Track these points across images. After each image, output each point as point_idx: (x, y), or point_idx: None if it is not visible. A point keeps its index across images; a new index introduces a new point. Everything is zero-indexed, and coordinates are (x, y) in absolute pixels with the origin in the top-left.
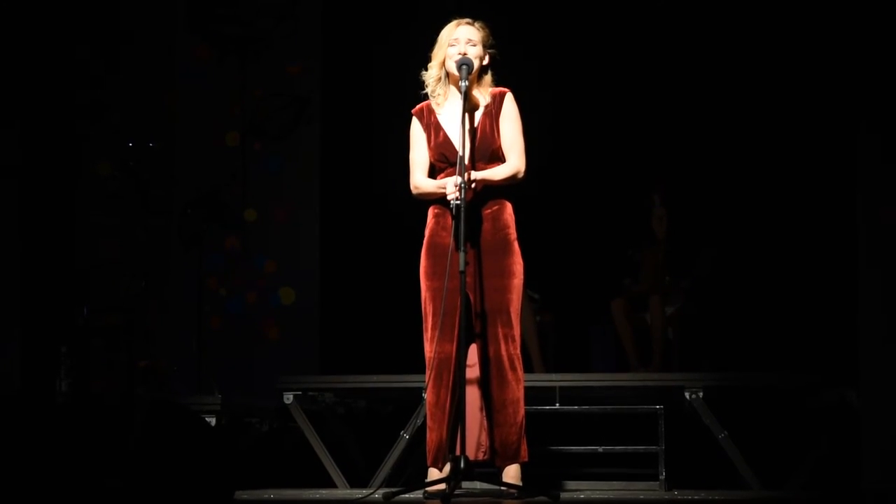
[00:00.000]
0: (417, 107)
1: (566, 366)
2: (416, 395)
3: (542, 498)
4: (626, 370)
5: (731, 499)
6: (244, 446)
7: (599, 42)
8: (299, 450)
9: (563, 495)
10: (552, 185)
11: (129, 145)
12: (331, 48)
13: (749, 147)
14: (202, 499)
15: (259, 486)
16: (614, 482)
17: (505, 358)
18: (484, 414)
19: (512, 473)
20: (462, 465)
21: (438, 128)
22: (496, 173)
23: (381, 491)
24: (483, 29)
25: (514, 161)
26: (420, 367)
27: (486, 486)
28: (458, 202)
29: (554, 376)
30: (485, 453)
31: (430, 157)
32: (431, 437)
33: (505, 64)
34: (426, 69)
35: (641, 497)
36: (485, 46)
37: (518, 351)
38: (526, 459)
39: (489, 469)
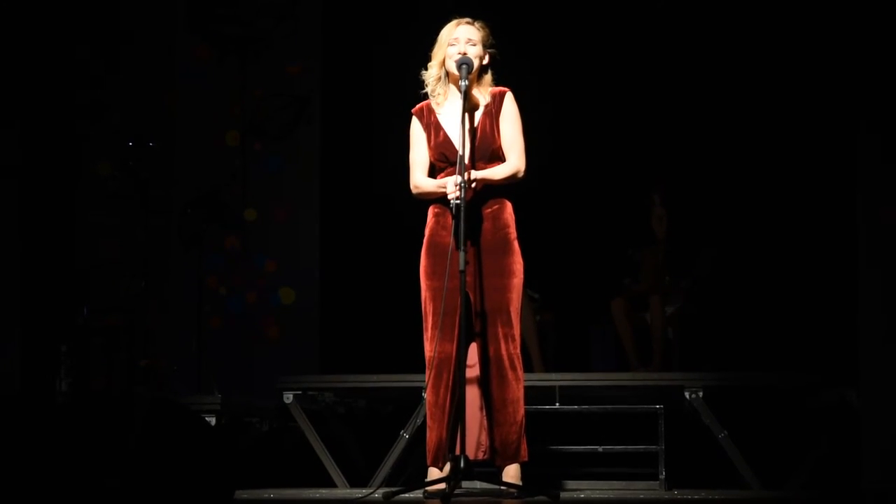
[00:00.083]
0: (417, 106)
1: (566, 365)
2: (416, 394)
3: (542, 497)
4: (626, 370)
5: (731, 499)
6: (244, 446)
7: (600, 42)
8: (299, 450)
9: (563, 495)
10: (552, 185)
11: (129, 145)
12: (331, 48)
13: (749, 147)
14: (202, 499)
15: (259, 486)
16: (614, 482)
17: (505, 357)
18: (484, 413)
19: (512, 473)
20: (462, 464)
21: (438, 127)
22: (496, 173)
23: (381, 491)
24: (483, 29)
25: (514, 160)
26: (420, 367)
27: (486, 485)
28: (459, 201)
29: (554, 376)
30: (485, 453)
31: (430, 157)
32: (431, 437)
33: (505, 64)
34: (426, 69)
35: (641, 497)
36: (485, 46)
37: (518, 350)
38: (526, 459)
39: (489, 468)
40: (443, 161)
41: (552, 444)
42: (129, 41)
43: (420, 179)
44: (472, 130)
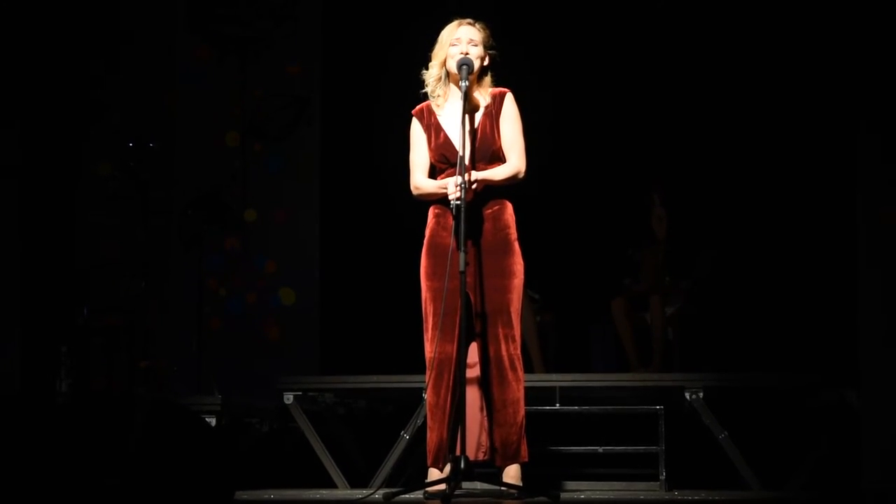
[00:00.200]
0: (417, 107)
1: (566, 366)
2: (416, 395)
3: (542, 498)
4: (626, 370)
5: (731, 499)
6: (244, 446)
7: (600, 43)
8: (299, 450)
9: (563, 495)
10: (552, 185)
11: (129, 145)
12: (331, 48)
13: (749, 147)
14: (202, 499)
15: (259, 486)
16: (614, 482)
17: (505, 358)
18: (484, 414)
19: (512, 473)
20: (462, 465)
21: (439, 129)
22: (496, 173)
23: (381, 491)
24: (484, 30)
25: (514, 161)
26: (420, 367)
27: (486, 486)
28: (459, 202)
29: (554, 376)
30: (485, 453)
31: (430, 158)
32: (432, 437)
33: (505, 64)
34: (427, 69)
35: (641, 497)
36: (485, 47)
37: (518, 351)
38: (526, 459)
39: (489, 469)
40: (443, 162)
41: (552, 445)
42: (129, 41)
43: (420, 180)
44: (473, 131)
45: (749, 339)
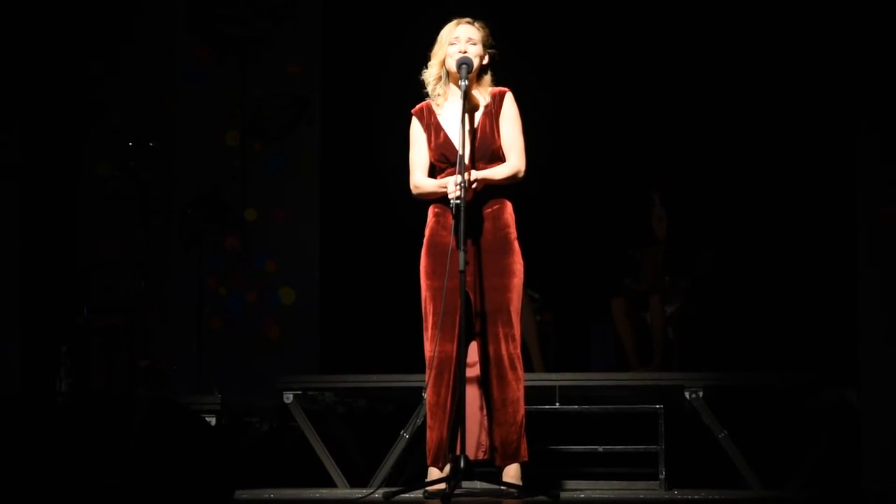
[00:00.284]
0: (417, 107)
1: (566, 365)
2: (416, 394)
3: (542, 497)
4: (626, 370)
5: (731, 498)
6: (244, 446)
7: (600, 42)
8: (299, 449)
9: (563, 495)
10: (552, 185)
11: (129, 145)
12: (331, 48)
13: (749, 147)
14: (202, 499)
15: (259, 486)
16: (614, 482)
17: (505, 357)
18: (484, 413)
19: (512, 473)
20: (462, 464)
21: (439, 128)
22: (496, 173)
23: (381, 490)
24: (483, 29)
25: (514, 161)
26: (420, 367)
27: (486, 485)
28: (459, 201)
29: (554, 376)
30: (485, 453)
31: (430, 158)
32: (431, 437)
33: (505, 64)
34: (426, 68)
35: (641, 497)
36: (485, 46)
37: (518, 350)
38: (526, 459)
39: (489, 468)
40: (443, 161)
41: (552, 444)
42: (129, 41)
43: (420, 179)
44: (472, 131)
45: (749, 338)
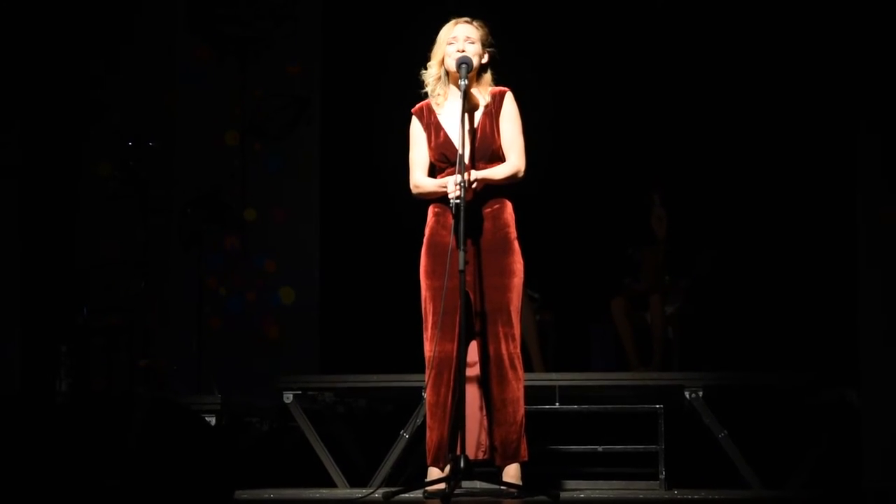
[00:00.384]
0: (417, 106)
1: (566, 365)
2: (416, 394)
3: (542, 497)
4: (626, 369)
5: (731, 498)
6: (244, 446)
7: (599, 42)
8: (299, 449)
9: (563, 495)
10: (552, 185)
11: (129, 145)
12: (331, 48)
13: (749, 147)
14: (202, 499)
15: (259, 486)
16: (614, 481)
17: (505, 357)
18: (484, 413)
19: (512, 473)
20: (462, 464)
21: (438, 128)
22: (496, 172)
23: (381, 490)
24: (482, 28)
25: (514, 160)
26: (420, 367)
27: (486, 485)
28: (459, 201)
29: (554, 375)
30: (485, 452)
31: (430, 157)
32: (431, 437)
33: (504, 63)
34: (426, 68)
35: (641, 496)
36: (483, 45)
37: (518, 350)
38: (526, 458)
39: (489, 468)
40: (443, 161)
41: (552, 444)
42: (129, 41)
43: (420, 179)
44: (472, 130)
45: (749, 338)
